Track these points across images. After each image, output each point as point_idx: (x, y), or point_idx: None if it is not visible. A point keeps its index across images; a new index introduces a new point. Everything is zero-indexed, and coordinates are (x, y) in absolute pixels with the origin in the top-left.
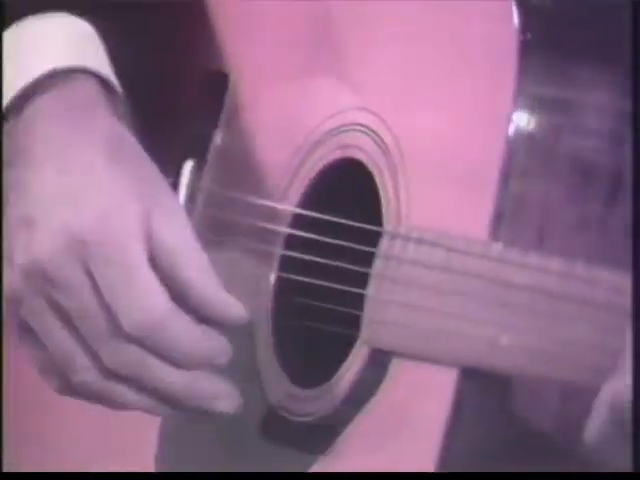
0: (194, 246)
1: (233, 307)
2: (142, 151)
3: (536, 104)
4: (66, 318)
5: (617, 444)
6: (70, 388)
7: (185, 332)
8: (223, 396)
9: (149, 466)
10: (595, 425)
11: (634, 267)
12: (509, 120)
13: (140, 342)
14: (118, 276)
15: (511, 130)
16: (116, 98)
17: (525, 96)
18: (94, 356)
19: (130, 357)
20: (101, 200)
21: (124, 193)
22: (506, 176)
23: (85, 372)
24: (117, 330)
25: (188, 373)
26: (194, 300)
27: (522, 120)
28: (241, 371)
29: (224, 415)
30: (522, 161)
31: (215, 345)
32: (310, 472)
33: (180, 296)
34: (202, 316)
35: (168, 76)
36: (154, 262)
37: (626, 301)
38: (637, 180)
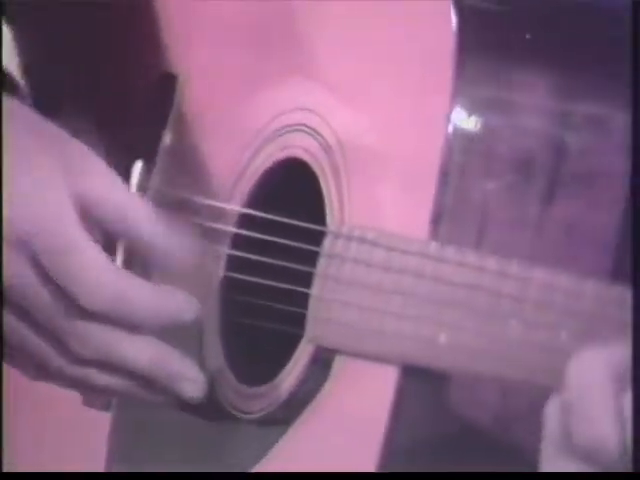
0: (135, 199)
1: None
2: (62, 131)
3: (474, 104)
4: (32, 320)
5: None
6: (48, 379)
7: (145, 294)
8: (190, 378)
9: (99, 466)
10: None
11: (634, 266)
12: (448, 120)
13: (106, 319)
14: (65, 261)
15: (450, 130)
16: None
17: (463, 96)
18: (64, 349)
19: (96, 339)
20: (28, 190)
21: (49, 176)
22: (445, 176)
23: (59, 368)
24: (80, 315)
25: (155, 348)
26: (145, 249)
27: (460, 120)
28: None
29: (191, 400)
30: (461, 161)
31: (180, 300)
32: (258, 472)
33: (132, 255)
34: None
35: (117, 78)
36: (101, 227)
37: (559, 299)
38: (637, 180)
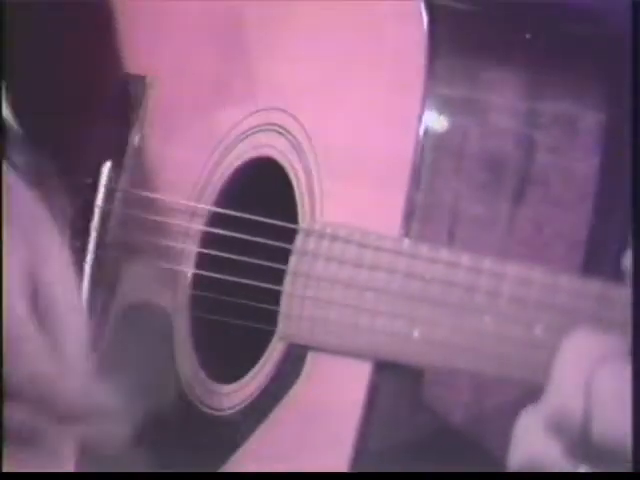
0: (72, 298)
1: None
2: (29, 198)
3: (445, 104)
4: None
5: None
6: None
7: (72, 390)
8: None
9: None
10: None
11: (634, 266)
12: (419, 119)
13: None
14: (7, 336)
15: (421, 129)
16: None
17: (434, 96)
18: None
19: (18, 416)
20: None
21: (10, 249)
22: (417, 174)
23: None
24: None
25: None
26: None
27: (432, 120)
28: (160, 368)
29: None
30: (433, 160)
31: (101, 399)
32: (231, 472)
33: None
34: None
35: (86, 80)
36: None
37: (533, 293)
38: (637, 180)
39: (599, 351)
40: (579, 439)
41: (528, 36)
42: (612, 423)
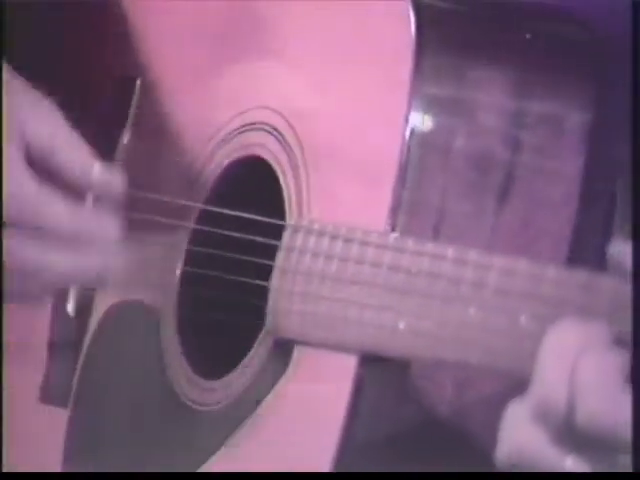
0: (65, 131)
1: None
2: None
3: (432, 102)
4: None
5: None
6: None
7: (63, 211)
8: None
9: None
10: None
11: (634, 266)
12: (406, 117)
13: (21, 229)
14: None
15: (408, 127)
16: None
17: (421, 94)
18: None
19: (14, 248)
20: None
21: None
22: (404, 171)
23: None
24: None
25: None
26: (67, 174)
27: (418, 117)
28: (147, 364)
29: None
30: (419, 156)
31: (101, 220)
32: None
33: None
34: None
35: (78, 79)
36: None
37: (518, 284)
38: (637, 180)
39: (583, 341)
40: (564, 428)
41: (528, 36)
42: (596, 411)
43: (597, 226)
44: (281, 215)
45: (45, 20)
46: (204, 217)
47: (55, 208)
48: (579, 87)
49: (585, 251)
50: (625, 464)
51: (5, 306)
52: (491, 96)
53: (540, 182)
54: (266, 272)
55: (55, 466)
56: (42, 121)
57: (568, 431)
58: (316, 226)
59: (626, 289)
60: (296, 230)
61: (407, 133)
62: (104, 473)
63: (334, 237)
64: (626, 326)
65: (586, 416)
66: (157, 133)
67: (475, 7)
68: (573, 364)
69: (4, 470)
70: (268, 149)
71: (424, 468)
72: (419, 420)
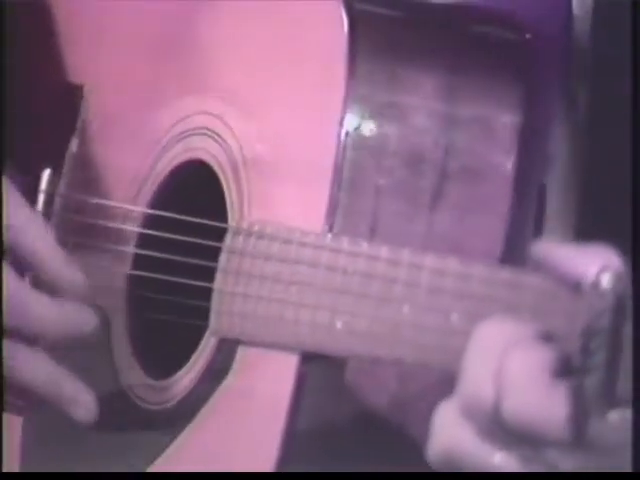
0: (45, 237)
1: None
2: None
3: (366, 104)
4: None
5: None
6: None
7: (43, 308)
8: (81, 403)
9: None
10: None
11: (634, 265)
12: (341, 119)
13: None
14: None
15: (343, 129)
16: None
17: (356, 96)
18: None
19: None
20: None
21: None
22: (339, 172)
23: None
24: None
25: (50, 370)
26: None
27: (353, 119)
28: (97, 365)
29: (81, 422)
30: (354, 158)
31: (77, 315)
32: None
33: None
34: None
35: (25, 88)
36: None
37: (449, 283)
38: (637, 180)
39: (509, 337)
40: (492, 425)
41: (528, 35)
42: (522, 407)
43: (529, 222)
44: (225, 217)
45: None
46: (150, 221)
47: (39, 305)
48: (509, 87)
49: (518, 247)
50: (554, 459)
51: None
52: (423, 98)
53: (472, 181)
54: (211, 274)
55: (14, 466)
56: (26, 230)
57: (496, 428)
58: (256, 228)
59: (550, 285)
60: (237, 232)
61: (342, 135)
62: (103, 473)
63: (273, 239)
64: (551, 322)
65: (512, 412)
66: (104, 140)
67: (407, 10)
68: (499, 361)
69: (4, 470)
70: (210, 153)
71: (365, 463)
72: (358, 414)
